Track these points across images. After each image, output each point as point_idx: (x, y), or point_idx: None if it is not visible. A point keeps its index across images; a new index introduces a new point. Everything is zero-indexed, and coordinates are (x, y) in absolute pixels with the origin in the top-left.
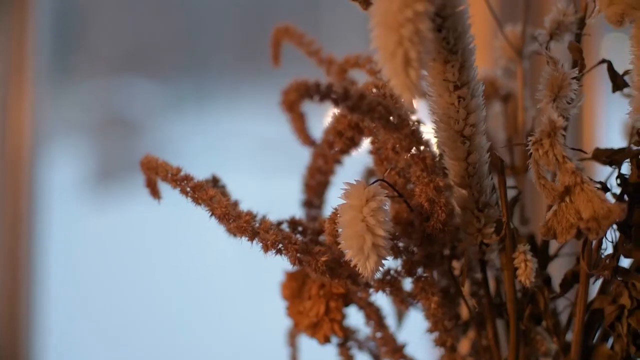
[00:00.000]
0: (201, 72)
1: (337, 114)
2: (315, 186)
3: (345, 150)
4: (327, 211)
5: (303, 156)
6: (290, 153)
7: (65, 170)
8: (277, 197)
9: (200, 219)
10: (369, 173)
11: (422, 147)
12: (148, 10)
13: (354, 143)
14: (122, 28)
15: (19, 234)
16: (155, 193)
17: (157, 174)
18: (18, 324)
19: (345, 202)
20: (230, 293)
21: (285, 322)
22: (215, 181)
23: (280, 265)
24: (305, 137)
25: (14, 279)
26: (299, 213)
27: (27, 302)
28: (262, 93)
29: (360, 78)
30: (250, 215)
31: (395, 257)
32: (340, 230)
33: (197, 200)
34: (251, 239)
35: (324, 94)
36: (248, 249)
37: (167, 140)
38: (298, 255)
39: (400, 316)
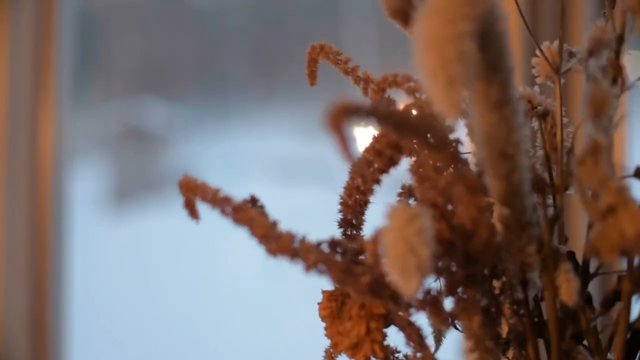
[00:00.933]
0: (218, 91)
1: (377, 133)
2: (354, 205)
3: (384, 170)
4: (366, 231)
5: (319, 172)
6: (306, 169)
7: (87, 185)
8: (294, 212)
9: (221, 231)
10: (408, 192)
11: (463, 167)
12: (167, 32)
13: (393, 162)
14: (141, 48)
15: (45, 241)
16: (193, 214)
17: (196, 195)
18: (44, 328)
19: (388, 222)
20: (243, 304)
21: (297, 334)
22: (253, 201)
23: (295, 278)
24: (349, 156)
25: (39, 286)
26: (318, 229)
27: (51, 306)
28: (277, 111)
29: (396, 96)
30: (290, 236)
31: (437, 277)
32: (382, 250)
33: (237, 221)
34: (292, 259)
35: (368, 113)
36: (261, 265)
37: (185, 156)
38: (340, 275)
39: (439, 336)
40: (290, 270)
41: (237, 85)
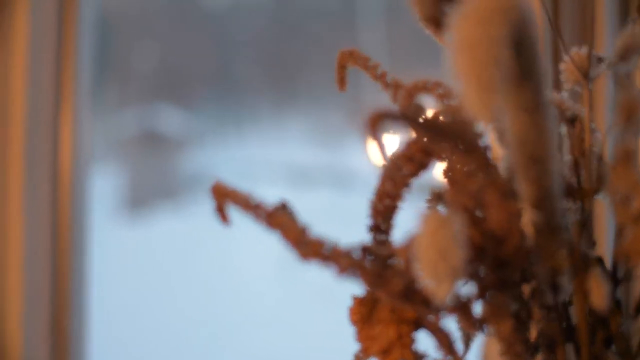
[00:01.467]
0: (233, 98)
1: (408, 138)
2: (383, 210)
3: (415, 174)
4: (395, 236)
5: (332, 178)
6: (318, 177)
7: (103, 189)
8: (306, 217)
9: (235, 235)
10: (438, 197)
11: (493, 171)
12: (183, 38)
13: (423, 167)
14: (157, 54)
15: (65, 243)
16: (224, 218)
17: (227, 199)
18: (63, 331)
19: (420, 227)
20: (257, 307)
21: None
22: (284, 207)
23: (309, 282)
24: (386, 160)
25: (60, 288)
26: (330, 234)
27: (71, 309)
28: (291, 118)
29: (425, 102)
30: (322, 241)
31: (468, 282)
32: (414, 255)
33: (270, 226)
34: (324, 263)
35: (402, 119)
36: (274, 268)
37: (199, 161)
38: (371, 280)
39: (468, 340)
40: (305, 274)
41: (252, 92)
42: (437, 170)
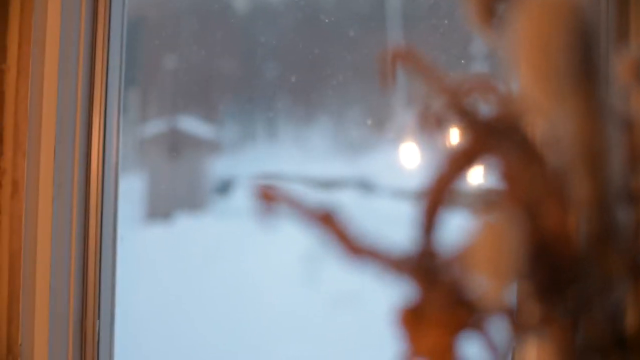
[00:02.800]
0: (258, 110)
1: (463, 138)
2: (434, 211)
3: (466, 173)
4: (448, 237)
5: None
6: (343, 185)
7: (127, 196)
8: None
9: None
10: (491, 197)
11: (550, 172)
12: (208, 50)
13: (476, 166)
14: (181, 66)
15: (93, 251)
16: (269, 221)
17: (276, 200)
18: (89, 338)
19: (475, 228)
20: (282, 316)
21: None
22: (335, 212)
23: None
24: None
25: (86, 294)
26: None
27: (97, 316)
28: (316, 132)
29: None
30: (376, 245)
31: (522, 285)
32: (468, 257)
33: (324, 230)
34: (382, 268)
35: (457, 117)
36: (298, 275)
37: (224, 171)
38: (423, 283)
39: (518, 344)
40: (329, 281)
41: (278, 106)
42: (483, 173)
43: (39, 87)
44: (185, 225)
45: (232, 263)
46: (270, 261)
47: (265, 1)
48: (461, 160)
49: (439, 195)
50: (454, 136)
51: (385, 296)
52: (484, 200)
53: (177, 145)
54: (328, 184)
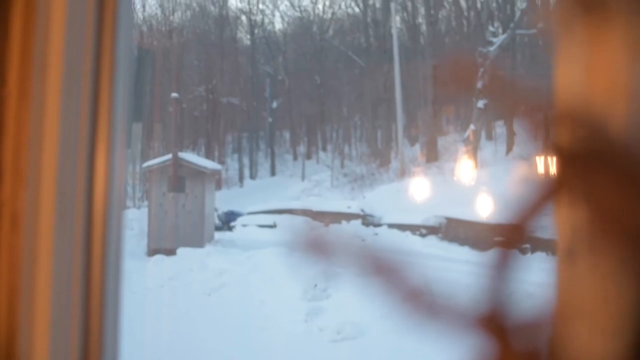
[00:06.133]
0: (267, 142)
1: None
2: (511, 252)
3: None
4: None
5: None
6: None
7: (131, 229)
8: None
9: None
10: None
11: None
12: (216, 83)
13: (560, 202)
14: (190, 101)
15: (96, 286)
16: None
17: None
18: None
19: (569, 274)
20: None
21: None
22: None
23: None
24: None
25: (90, 330)
26: None
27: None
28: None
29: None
30: (447, 301)
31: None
32: (562, 309)
33: (391, 285)
34: (454, 325)
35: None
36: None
37: (228, 203)
38: (504, 341)
39: None
40: (331, 314)
41: (281, 138)
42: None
43: (41, 114)
44: (187, 257)
45: (235, 295)
46: (272, 295)
47: (269, 32)
48: (546, 194)
49: (518, 233)
50: (538, 167)
51: (387, 333)
52: (574, 241)
53: (180, 178)
54: (332, 216)
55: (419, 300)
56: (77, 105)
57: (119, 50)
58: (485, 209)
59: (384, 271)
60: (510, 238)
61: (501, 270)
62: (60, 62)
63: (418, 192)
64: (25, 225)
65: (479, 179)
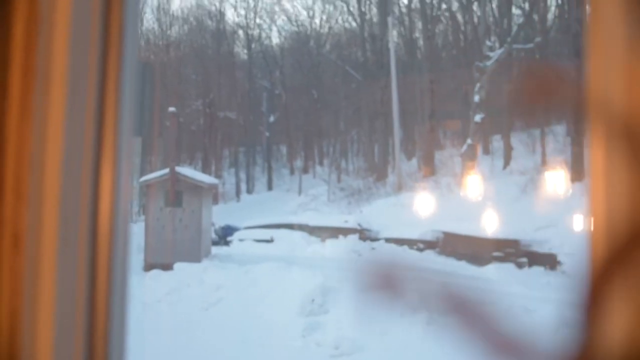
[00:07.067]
0: (264, 159)
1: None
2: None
3: None
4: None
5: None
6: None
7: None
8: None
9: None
10: None
11: None
12: (214, 100)
13: None
14: (187, 115)
15: (101, 303)
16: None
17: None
18: None
19: None
20: None
21: None
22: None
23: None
24: None
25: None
26: None
27: None
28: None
29: None
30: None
31: None
32: None
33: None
34: None
35: None
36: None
37: (226, 219)
38: None
39: None
40: (329, 329)
41: (278, 153)
42: None
43: (43, 129)
44: (184, 272)
45: (232, 310)
46: (269, 310)
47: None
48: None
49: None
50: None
51: (385, 349)
52: None
53: (177, 192)
54: (329, 231)
55: (512, 350)
56: (82, 120)
57: (125, 62)
58: (483, 223)
59: (474, 321)
60: (509, 253)
61: (591, 312)
62: (64, 75)
63: (415, 206)
64: (27, 246)
65: (477, 193)
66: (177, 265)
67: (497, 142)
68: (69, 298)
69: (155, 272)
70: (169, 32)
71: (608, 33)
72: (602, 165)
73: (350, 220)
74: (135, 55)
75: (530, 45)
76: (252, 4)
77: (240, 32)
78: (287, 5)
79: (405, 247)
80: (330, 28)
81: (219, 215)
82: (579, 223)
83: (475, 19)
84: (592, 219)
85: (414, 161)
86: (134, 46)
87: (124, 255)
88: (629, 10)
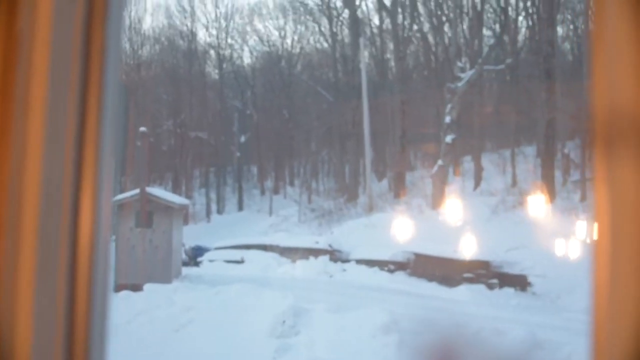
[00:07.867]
0: (235, 178)
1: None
2: None
3: None
4: None
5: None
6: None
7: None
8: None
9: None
10: None
11: None
12: (193, 119)
13: None
14: (158, 135)
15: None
16: None
17: None
18: None
19: None
20: None
21: None
22: None
23: None
24: None
25: None
26: None
27: None
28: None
29: None
30: None
31: None
32: None
33: None
34: None
35: None
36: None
37: (203, 235)
38: None
39: None
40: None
41: (248, 173)
42: None
43: (22, 153)
44: (154, 293)
45: (202, 332)
46: (240, 331)
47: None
48: None
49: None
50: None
51: None
52: None
53: (148, 213)
54: (300, 252)
55: None
56: (62, 141)
57: (107, 82)
58: (454, 244)
59: None
60: (480, 275)
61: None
62: (44, 97)
63: (386, 227)
64: (3, 281)
65: (448, 214)
66: (147, 286)
67: (467, 163)
68: (48, 317)
69: (125, 293)
70: (140, 51)
71: (612, 49)
72: (607, 174)
73: (321, 241)
74: (117, 76)
75: (502, 66)
76: (223, 24)
77: (212, 52)
78: (259, 26)
79: (376, 269)
80: (302, 48)
81: (189, 235)
82: (552, 245)
83: (447, 40)
84: (597, 227)
85: (385, 182)
86: (116, 66)
87: (105, 279)
88: (633, 23)
